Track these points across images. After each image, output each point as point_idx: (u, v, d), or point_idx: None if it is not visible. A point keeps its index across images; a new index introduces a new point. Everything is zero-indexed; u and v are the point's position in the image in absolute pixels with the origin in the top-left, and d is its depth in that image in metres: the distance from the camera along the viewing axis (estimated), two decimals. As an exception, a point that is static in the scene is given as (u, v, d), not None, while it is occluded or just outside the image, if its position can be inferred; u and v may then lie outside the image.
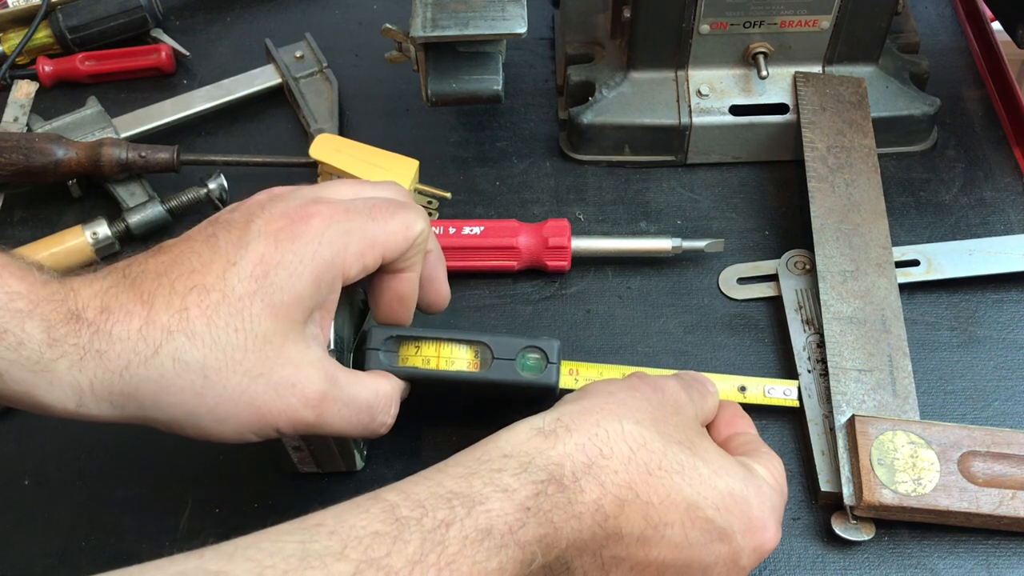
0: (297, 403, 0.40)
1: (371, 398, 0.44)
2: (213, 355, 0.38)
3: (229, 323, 0.39)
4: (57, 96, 0.70)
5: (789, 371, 0.55)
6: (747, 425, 0.48)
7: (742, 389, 0.52)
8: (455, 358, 0.47)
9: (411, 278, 0.46)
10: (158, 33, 0.73)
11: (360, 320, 0.51)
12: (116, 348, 0.37)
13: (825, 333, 0.53)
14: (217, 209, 0.53)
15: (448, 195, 0.63)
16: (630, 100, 0.64)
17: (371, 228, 0.43)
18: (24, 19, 0.72)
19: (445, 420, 0.54)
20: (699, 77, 0.64)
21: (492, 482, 0.36)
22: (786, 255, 0.59)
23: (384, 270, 0.45)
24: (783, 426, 0.53)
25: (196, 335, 0.38)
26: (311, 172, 0.64)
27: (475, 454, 0.38)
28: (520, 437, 0.39)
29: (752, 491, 0.41)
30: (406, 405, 0.48)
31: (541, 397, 0.48)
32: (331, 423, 0.42)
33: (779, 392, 0.52)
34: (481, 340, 0.47)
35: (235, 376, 0.39)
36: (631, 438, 0.39)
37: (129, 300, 0.38)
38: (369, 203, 0.44)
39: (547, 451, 0.38)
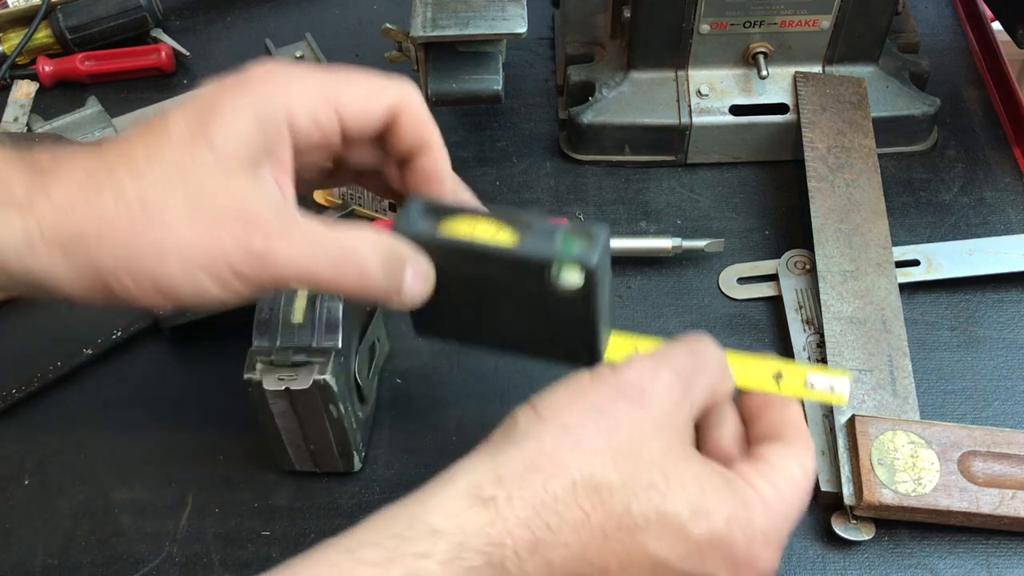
0: (242, 230, 0.36)
1: (352, 244, 0.38)
2: (154, 191, 0.36)
3: (170, 159, 0.37)
4: (57, 96, 0.70)
5: (789, 371, 0.55)
6: (780, 407, 0.41)
7: (777, 377, 0.42)
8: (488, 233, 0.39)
9: (415, 164, 0.42)
10: (158, 33, 0.73)
11: (367, 322, 0.52)
12: (63, 189, 0.36)
13: (825, 333, 0.53)
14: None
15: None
16: (630, 100, 0.64)
17: (329, 81, 0.40)
18: (24, 19, 0.72)
19: (445, 420, 0.54)
20: (699, 77, 0.64)
21: (415, 574, 0.31)
22: (786, 255, 0.59)
23: (389, 155, 0.42)
24: (783, 426, 0.53)
25: (137, 172, 0.36)
26: (311, 172, 0.64)
27: (398, 524, 0.33)
28: (453, 505, 0.33)
29: (740, 527, 0.35)
30: (406, 404, 0.48)
31: (580, 309, 0.39)
32: (293, 259, 0.36)
33: (825, 384, 0.42)
34: (522, 218, 0.39)
35: (175, 209, 0.36)
36: (586, 498, 0.33)
37: (80, 150, 0.37)
38: (344, 68, 0.41)
39: (485, 528, 0.32)
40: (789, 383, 0.42)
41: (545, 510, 0.33)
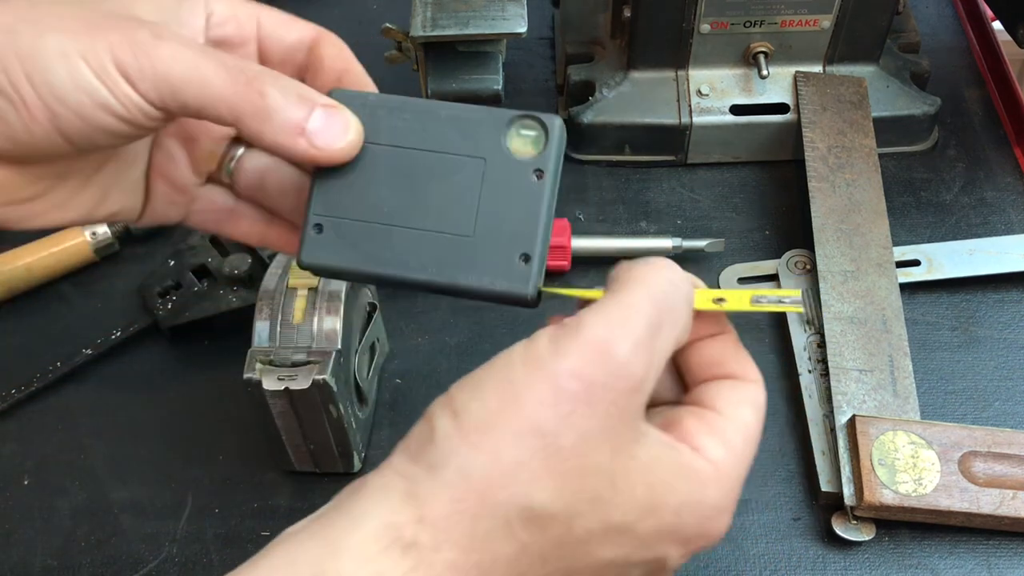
0: (133, 24, 0.33)
1: (257, 67, 0.34)
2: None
3: None
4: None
5: (789, 371, 0.55)
6: (722, 335, 0.37)
7: (719, 301, 0.36)
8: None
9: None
10: (158, 32, 0.73)
11: (367, 322, 0.51)
12: None
13: (826, 333, 0.53)
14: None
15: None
16: (630, 100, 0.63)
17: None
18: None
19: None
20: (699, 77, 0.64)
21: None
22: (786, 255, 0.59)
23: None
24: (784, 426, 0.53)
25: None
26: (311, 172, 0.63)
27: (302, 569, 0.29)
28: (367, 549, 0.28)
29: (690, 512, 0.32)
30: (405, 404, 0.48)
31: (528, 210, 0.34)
32: (185, 60, 0.33)
33: (773, 299, 0.39)
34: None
35: (66, 5, 0.34)
36: (523, 530, 0.29)
37: None
38: None
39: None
40: (734, 303, 0.37)
41: (475, 551, 0.29)
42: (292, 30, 0.39)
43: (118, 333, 0.56)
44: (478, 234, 0.35)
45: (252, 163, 0.40)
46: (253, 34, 0.38)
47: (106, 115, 0.33)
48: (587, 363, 0.30)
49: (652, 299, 0.32)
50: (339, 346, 0.47)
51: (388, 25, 0.59)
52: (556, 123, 0.34)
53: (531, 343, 0.31)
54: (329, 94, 0.35)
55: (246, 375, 0.46)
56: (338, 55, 0.38)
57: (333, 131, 0.34)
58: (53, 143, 0.33)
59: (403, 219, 0.35)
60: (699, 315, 0.35)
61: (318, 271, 0.36)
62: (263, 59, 0.39)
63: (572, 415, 0.29)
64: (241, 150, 0.40)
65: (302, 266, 0.35)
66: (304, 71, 0.39)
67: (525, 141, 0.35)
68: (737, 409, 0.34)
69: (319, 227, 0.35)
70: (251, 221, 0.41)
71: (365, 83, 0.38)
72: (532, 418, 0.29)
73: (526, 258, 0.34)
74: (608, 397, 0.30)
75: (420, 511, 0.29)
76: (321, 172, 0.35)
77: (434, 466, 0.29)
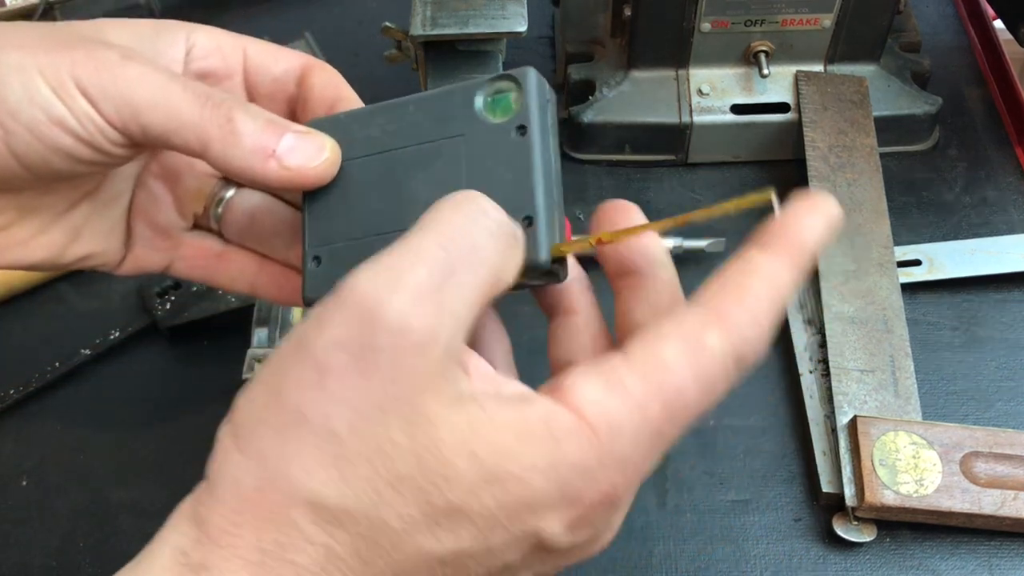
0: (100, 46, 0.32)
1: (225, 95, 0.32)
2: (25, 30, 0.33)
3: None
4: (55, 95, 0.70)
5: (790, 371, 0.55)
6: (651, 274, 0.32)
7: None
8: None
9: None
10: (157, 32, 0.73)
11: None
12: None
13: (827, 333, 0.53)
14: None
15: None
16: (631, 99, 0.63)
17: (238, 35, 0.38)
18: (22, 18, 0.71)
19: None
20: (700, 76, 0.63)
21: None
22: (787, 255, 0.59)
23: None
24: (784, 427, 0.53)
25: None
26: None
27: None
28: None
29: (541, 472, 0.26)
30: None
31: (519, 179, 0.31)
32: (151, 81, 0.31)
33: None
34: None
35: (32, 31, 0.32)
36: (320, 531, 0.26)
37: None
38: None
39: None
40: (628, 231, 0.34)
41: (269, 566, 0.25)
42: (280, 61, 0.37)
43: (117, 333, 0.56)
44: None
45: (242, 204, 0.38)
46: (239, 66, 0.37)
47: (62, 134, 0.31)
48: (351, 329, 0.26)
49: (439, 241, 0.27)
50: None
51: (388, 24, 0.59)
52: (529, 73, 0.31)
53: (303, 322, 0.27)
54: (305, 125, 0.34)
55: (245, 375, 0.46)
56: (328, 83, 0.36)
57: (307, 152, 0.32)
58: (6, 165, 0.31)
59: (397, 224, 0.32)
60: (613, 257, 0.30)
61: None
62: (250, 92, 0.37)
63: (341, 392, 0.26)
64: (231, 191, 0.38)
65: (308, 303, 0.33)
66: (295, 103, 0.37)
67: (501, 104, 0.31)
68: (652, 347, 0.27)
69: (317, 259, 0.33)
70: (241, 265, 0.38)
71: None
72: (295, 405, 0.26)
73: (528, 221, 0.30)
74: (385, 362, 0.25)
75: (200, 531, 0.27)
76: (310, 203, 0.34)
77: (212, 482, 0.27)
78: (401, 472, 0.26)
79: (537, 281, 0.32)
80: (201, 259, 0.38)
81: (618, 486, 0.27)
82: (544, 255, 0.30)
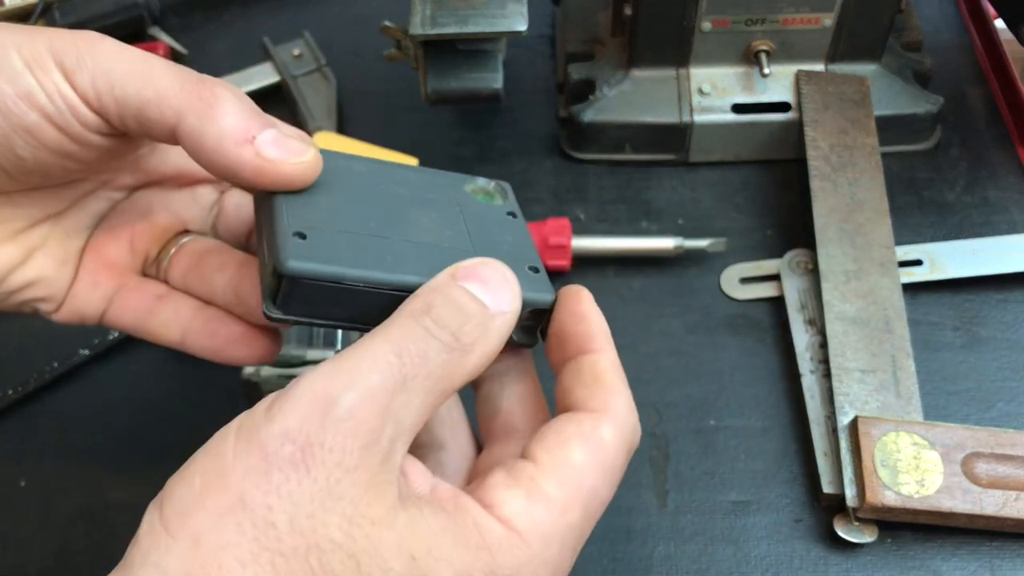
0: (79, 32, 0.31)
1: (210, 79, 0.30)
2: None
3: None
4: (54, 94, 0.70)
5: (791, 372, 0.54)
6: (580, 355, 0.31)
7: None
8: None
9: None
10: (156, 31, 0.73)
11: None
12: None
13: (828, 333, 0.53)
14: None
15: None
16: (631, 98, 0.63)
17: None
18: (21, 17, 0.71)
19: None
20: (700, 75, 0.63)
21: None
22: (788, 255, 0.59)
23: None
24: (785, 427, 0.53)
25: None
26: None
27: None
28: None
29: None
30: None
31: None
32: (129, 58, 0.30)
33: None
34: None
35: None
36: None
37: None
38: None
39: None
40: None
41: None
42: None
43: (116, 334, 0.56)
44: (478, 251, 0.33)
45: (194, 247, 0.37)
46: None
47: (29, 110, 0.29)
48: (301, 421, 0.25)
49: (394, 350, 0.27)
50: (339, 347, 0.46)
51: (387, 23, 0.59)
52: (507, 186, 0.38)
53: (250, 411, 0.27)
54: None
55: (245, 375, 0.46)
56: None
57: (289, 147, 0.30)
58: None
59: (396, 232, 0.32)
60: (559, 336, 0.31)
61: (307, 278, 0.30)
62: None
63: (286, 484, 0.25)
64: (188, 237, 0.37)
65: (287, 271, 0.29)
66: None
67: (487, 196, 0.37)
68: (558, 452, 0.28)
69: (301, 235, 0.30)
70: (176, 309, 0.36)
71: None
72: (238, 492, 0.25)
73: (534, 269, 0.33)
74: (331, 459, 0.25)
75: None
76: (286, 196, 0.31)
77: (132, 567, 0.26)
78: (337, 573, 0.25)
79: (520, 341, 0.33)
80: (139, 302, 0.36)
81: None
82: (551, 295, 0.33)
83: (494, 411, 0.32)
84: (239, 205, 0.38)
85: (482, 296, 0.29)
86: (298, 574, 0.25)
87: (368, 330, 0.29)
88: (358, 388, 0.26)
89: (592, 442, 0.28)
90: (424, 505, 0.27)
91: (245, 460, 0.25)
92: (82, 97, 0.30)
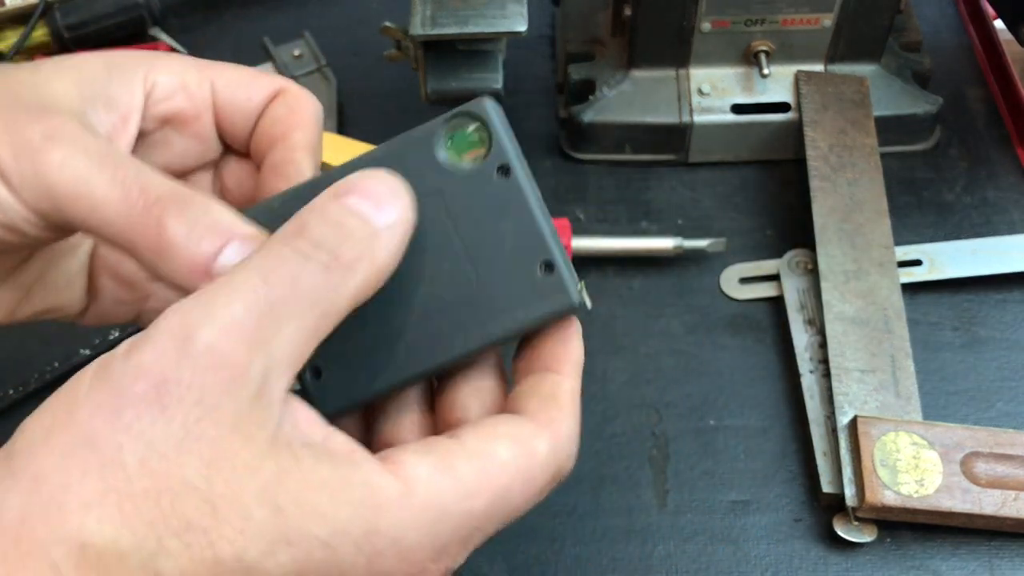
0: (24, 114, 0.28)
1: (165, 189, 0.27)
2: None
3: None
4: (55, 95, 0.70)
5: (790, 372, 0.54)
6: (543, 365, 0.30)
7: None
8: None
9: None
10: (156, 32, 0.73)
11: None
12: None
13: (827, 333, 0.53)
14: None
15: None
16: (631, 99, 0.63)
17: (207, 63, 0.34)
18: (21, 17, 0.71)
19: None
20: (700, 75, 0.63)
21: None
22: (788, 255, 0.59)
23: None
24: (785, 427, 0.53)
25: None
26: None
27: None
28: None
29: (352, 540, 0.24)
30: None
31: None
32: (75, 165, 0.27)
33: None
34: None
35: None
36: None
37: None
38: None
39: None
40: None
41: None
42: (253, 93, 0.33)
43: (117, 334, 0.56)
44: (481, 274, 0.29)
45: None
46: (207, 103, 0.33)
47: None
48: (157, 357, 0.24)
49: (261, 276, 0.25)
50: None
51: (387, 24, 0.59)
52: (487, 105, 0.29)
53: (113, 351, 0.25)
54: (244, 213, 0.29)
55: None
56: (284, 118, 0.33)
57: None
58: None
59: (394, 310, 0.29)
60: (535, 346, 0.29)
61: (342, 413, 0.29)
62: (223, 132, 0.34)
63: (138, 423, 0.23)
64: None
65: (329, 415, 0.27)
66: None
67: (466, 143, 0.30)
68: (486, 441, 0.27)
69: (316, 371, 0.29)
70: None
71: (309, 150, 0.33)
72: (85, 430, 0.23)
73: (548, 266, 0.29)
74: (190, 396, 0.23)
75: None
76: None
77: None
78: (190, 518, 0.23)
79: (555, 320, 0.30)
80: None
81: (429, 573, 0.25)
82: (575, 297, 0.29)
83: (451, 402, 0.30)
84: (241, 181, 0.36)
85: (366, 209, 0.27)
86: (147, 518, 0.23)
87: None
88: (218, 319, 0.24)
89: (523, 447, 0.27)
90: (307, 453, 0.24)
91: (96, 397, 0.24)
92: (30, 209, 0.28)
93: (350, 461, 0.25)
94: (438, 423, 0.31)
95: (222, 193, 0.36)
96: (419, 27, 0.55)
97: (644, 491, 0.51)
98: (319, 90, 0.68)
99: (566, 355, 0.30)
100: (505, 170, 0.29)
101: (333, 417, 0.27)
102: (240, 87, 0.33)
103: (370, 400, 0.30)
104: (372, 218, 0.27)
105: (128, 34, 0.72)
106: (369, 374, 0.29)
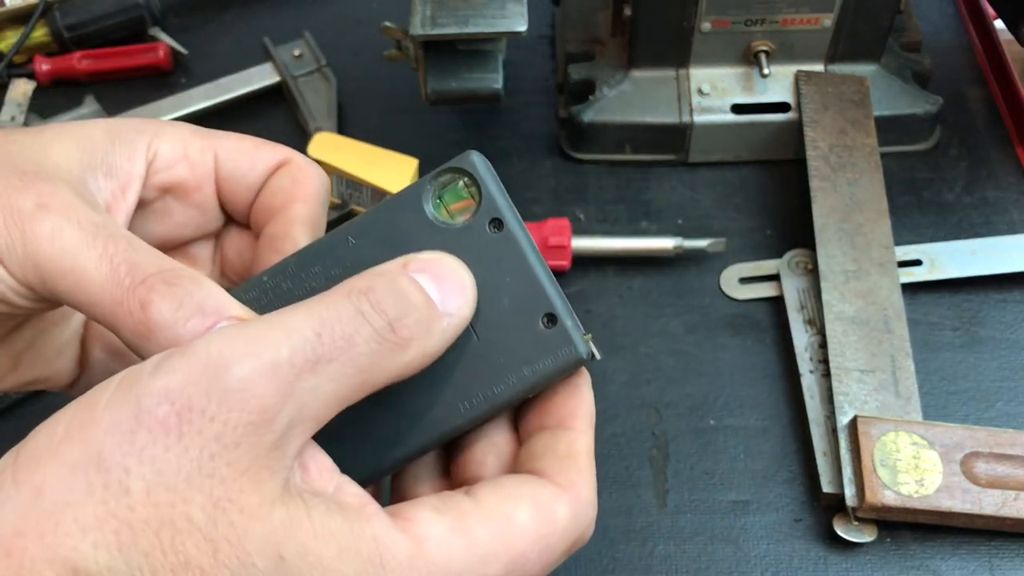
0: (17, 179, 0.27)
1: (156, 266, 0.26)
2: None
3: None
4: (54, 95, 0.70)
5: (791, 372, 0.54)
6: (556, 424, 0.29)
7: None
8: None
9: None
10: (156, 31, 0.73)
11: None
12: None
13: (827, 333, 0.53)
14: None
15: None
16: (631, 99, 0.63)
17: (211, 132, 0.34)
18: (22, 17, 0.71)
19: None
20: (700, 75, 0.63)
21: None
22: (788, 255, 0.59)
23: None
24: (785, 427, 0.53)
25: None
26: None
27: None
28: None
29: None
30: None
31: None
32: (63, 240, 0.26)
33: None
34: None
35: None
36: None
37: None
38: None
39: None
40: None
41: None
42: (257, 161, 0.33)
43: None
44: (482, 334, 0.28)
45: None
46: (209, 174, 0.32)
47: None
48: (186, 381, 0.23)
49: (315, 325, 0.24)
50: None
51: (387, 24, 0.59)
52: (473, 159, 0.28)
53: (142, 363, 0.24)
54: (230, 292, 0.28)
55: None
56: (286, 189, 0.32)
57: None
58: None
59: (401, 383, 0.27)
60: (546, 400, 0.28)
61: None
62: (225, 202, 0.33)
63: (151, 447, 0.22)
64: None
65: None
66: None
67: (456, 199, 0.29)
68: (505, 503, 0.26)
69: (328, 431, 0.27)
70: None
71: (308, 224, 0.32)
72: (96, 447, 0.22)
73: (551, 319, 0.28)
74: (211, 429, 0.22)
75: None
76: None
77: None
78: (189, 557, 0.22)
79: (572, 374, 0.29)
80: None
81: None
82: (583, 348, 0.28)
83: (467, 457, 0.29)
84: (241, 252, 0.35)
85: (432, 292, 0.26)
86: (144, 551, 0.22)
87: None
88: (260, 357, 0.23)
89: (543, 511, 0.26)
90: (317, 504, 0.24)
91: (114, 414, 0.23)
92: (15, 279, 0.27)
93: (361, 515, 0.24)
94: (454, 477, 0.30)
95: (223, 264, 0.35)
96: (419, 27, 0.55)
97: (644, 491, 0.51)
98: (319, 90, 0.68)
99: (579, 409, 0.29)
100: (498, 223, 0.28)
101: None
102: (243, 156, 0.33)
103: (377, 476, 0.29)
104: (437, 301, 0.26)
105: (128, 34, 0.72)
106: (375, 447, 0.28)
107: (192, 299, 0.26)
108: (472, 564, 0.24)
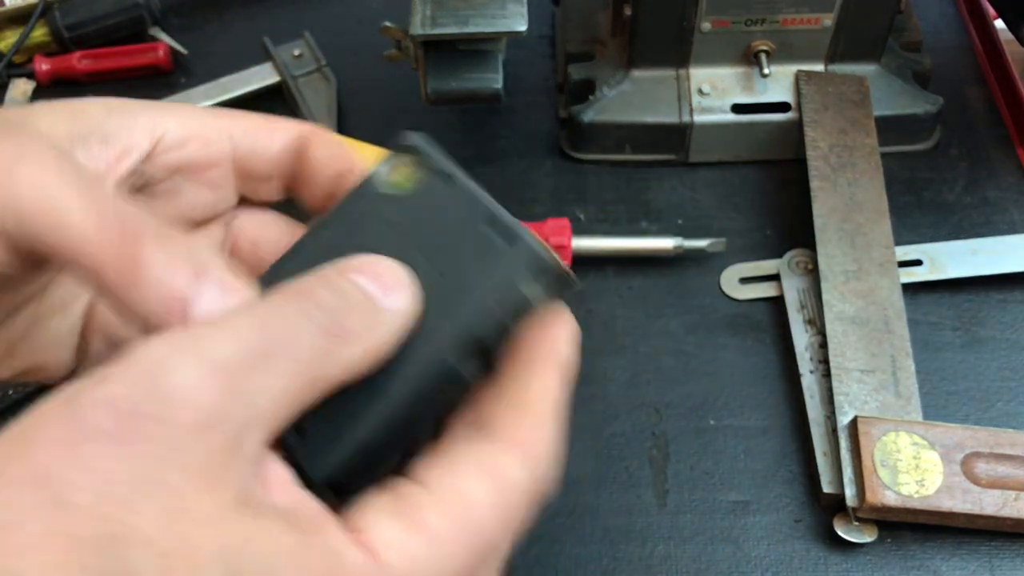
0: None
1: (143, 221, 0.25)
2: None
3: None
4: (54, 95, 0.70)
5: (791, 372, 0.54)
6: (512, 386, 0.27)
7: None
8: None
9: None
10: (156, 31, 0.73)
11: None
12: None
13: (827, 333, 0.53)
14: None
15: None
16: (631, 99, 0.63)
17: (224, 111, 0.33)
18: (21, 17, 0.71)
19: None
20: (700, 75, 0.63)
21: None
22: (788, 255, 0.59)
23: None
24: (785, 427, 0.53)
25: None
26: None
27: None
28: None
29: None
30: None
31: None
32: (45, 182, 0.25)
33: None
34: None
35: None
36: None
37: None
38: None
39: None
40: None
41: None
42: (274, 138, 0.32)
43: (116, 333, 0.56)
44: (446, 273, 0.28)
45: None
46: (225, 151, 0.32)
47: None
48: (129, 387, 0.22)
49: (258, 323, 0.23)
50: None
51: (387, 24, 0.59)
52: (412, 136, 0.30)
53: (89, 375, 0.23)
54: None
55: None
56: (332, 155, 0.32)
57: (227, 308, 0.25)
58: None
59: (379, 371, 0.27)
60: (511, 342, 0.26)
61: (337, 481, 0.27)
62: (244, 182, 0.33)
63: (96, 459, 0.21)
64: None
65: (321, 480, 0.26)
66: (294, 181, 0.33)
67: (405, 170, 0.30)
68: (455, 480, 0.24)
69: (300, 431, 0.26)
70: None
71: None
72: (40, 461, 0.21)
73: (492, 222, 0.28)
74: (155, 435, 0.21)
75: None
76: None
77: None
78: (139, 572, 0.21)
79: (552, 296, 0.28)
80: None
81: None
82: (532, 242, 0.27)
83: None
84: (256, 243, 0.34)
85: (371, 289, 0.26)
86: (93, 566, 0.20)
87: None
88: (201, 357, 0.22)
89: (495, 477, 0.25)
90: (273, 518, 0.22)
91: (58, 427, 0.22)
92: None
93: (314, 528, 0.23)
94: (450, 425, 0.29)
95: (233, 250, 0.35)
96: (419, 27, 0.55)
97: (644, 491, 0.51)
98: (319, 90, 0.68)
99: (541, 347, 0.27)
100: (446, 177, 0.29)
101: (332, 485, 0.26)
102: (260, 131, 0.32)
103: (357, 453, 0.27)
104: (378, 299, 0.26)
105: (128, 34, 0.72)
106: (350, 422, 0.26)
107: (184, 252, 0.25)
108: (434, 558, 0.24)
